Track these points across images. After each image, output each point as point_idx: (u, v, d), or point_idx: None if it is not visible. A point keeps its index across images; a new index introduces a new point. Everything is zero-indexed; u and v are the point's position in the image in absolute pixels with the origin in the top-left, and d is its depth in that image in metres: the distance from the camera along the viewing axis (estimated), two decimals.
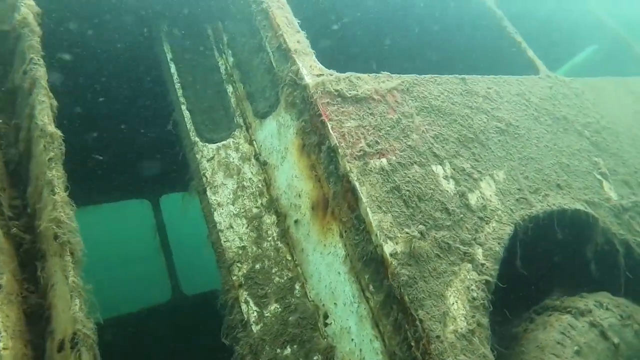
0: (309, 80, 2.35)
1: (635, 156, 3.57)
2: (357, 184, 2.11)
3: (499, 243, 2.31)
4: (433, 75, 2.89)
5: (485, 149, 2.71)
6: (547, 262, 2.90)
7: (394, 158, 2.30)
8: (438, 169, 2.42)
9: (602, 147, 3.42)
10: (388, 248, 2.00)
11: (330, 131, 2.21)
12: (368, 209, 2.06)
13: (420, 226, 2.14)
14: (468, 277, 2.14)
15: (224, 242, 2.39)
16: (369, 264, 2.05)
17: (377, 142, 2.30)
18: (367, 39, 5.11)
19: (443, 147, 2.53)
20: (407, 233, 2.06)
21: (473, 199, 2.44)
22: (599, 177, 3.19)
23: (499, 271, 2.33)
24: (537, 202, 2.66)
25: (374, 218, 2.05)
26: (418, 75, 2.81)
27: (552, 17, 5.94)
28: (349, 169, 2.13)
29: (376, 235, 2.02)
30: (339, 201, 2.18)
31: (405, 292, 1.92)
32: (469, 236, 2.27)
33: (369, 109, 2.42)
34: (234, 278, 2.31)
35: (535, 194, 2.71)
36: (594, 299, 2.55)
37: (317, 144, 2.29)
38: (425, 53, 4.71)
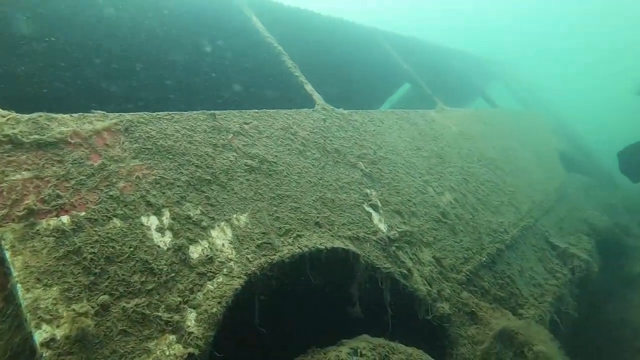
0: None
1: (410, 184, 3.60)
2: (8, 253, 1.63)
3: (219, 302, 1.98)
4: (171, 112, 2.56)
5: (225, 191, 2.42)
6: (307, 311, 2.67)
7: (82, 214, 1.87)
8: (151, 220, 2.05)
9: (375, 178, 3.38)
10: (41, 335, 1.54)
11: None
12: (19, 284, 1.59)
13: (104, 296, 1.73)
14: (167, 353, 1.75)
15: None
16: None
17: (58, 196, 1.86)
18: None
19: (164, 193, 2.18)
20: (74, 310, 1.62)
21: (196, 251, 2.10)
22: (368, 209, 3.09)
23: (235, 333, 2.01)
24: (284, 246, 2.42)
25: (27, 296, 1.58)
26: (149, 113, 2.46)
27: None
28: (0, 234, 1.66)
29: (27, 319, 1.55)
30: None
31: None
32: (179, 299, 1.91)
33: (58, 155, 1.98)
34: None
35: (284, 236, 2.47)
36: (350, 346, 2.34)
37: None
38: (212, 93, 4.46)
